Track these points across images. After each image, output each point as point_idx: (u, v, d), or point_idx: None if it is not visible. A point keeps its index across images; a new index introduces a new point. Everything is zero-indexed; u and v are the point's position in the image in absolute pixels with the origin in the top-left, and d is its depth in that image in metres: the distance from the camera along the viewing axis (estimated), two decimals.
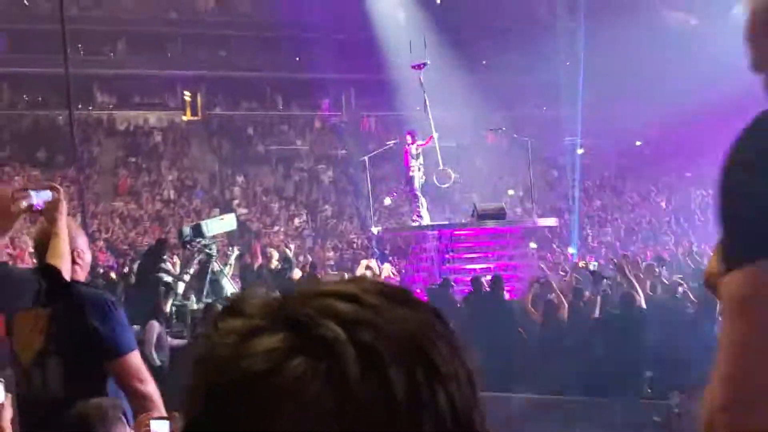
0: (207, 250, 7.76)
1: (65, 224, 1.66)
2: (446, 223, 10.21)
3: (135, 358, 1.67)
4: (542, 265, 8.37)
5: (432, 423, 0.23)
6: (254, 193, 16.12)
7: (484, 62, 16.53)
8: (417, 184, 9.34)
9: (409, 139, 9.35)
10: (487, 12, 16.62)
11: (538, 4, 18.54)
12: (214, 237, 8.28)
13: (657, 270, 6.26)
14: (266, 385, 0.22)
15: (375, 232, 11.46)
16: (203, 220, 10.83)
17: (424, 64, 10.17)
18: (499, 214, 8.96)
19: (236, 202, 16.69)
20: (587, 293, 5.34)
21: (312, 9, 15.96)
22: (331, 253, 13.95)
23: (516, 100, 15.98)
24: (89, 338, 1.61)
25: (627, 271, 5.03)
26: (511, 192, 15.65)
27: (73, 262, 1.70)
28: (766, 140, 0.62)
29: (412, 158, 9.27)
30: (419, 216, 9.47)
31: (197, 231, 8.04)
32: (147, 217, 16.16)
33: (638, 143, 15.96)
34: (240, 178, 16.44)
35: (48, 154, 17.62)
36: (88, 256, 1.84)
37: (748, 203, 0.60)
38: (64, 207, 1.68)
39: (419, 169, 9.35)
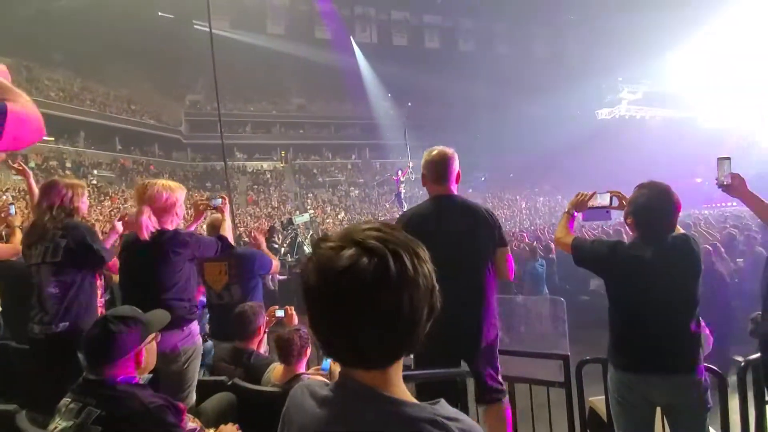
0: (294, 231, 11.45)
1: (228, 215, 2.59)
2: None
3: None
4: None
5: (422, 279, 0.56)
6: (317, 203, 29.73)
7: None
8: (403, 196, 14.69)
9: (399, 172, 15.30)
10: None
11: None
12: (297, 224, 12.26)
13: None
14: (351, 271, 0.53)
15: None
16: (293, 216, 18.92)
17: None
18: None
19: (308, 207, 30.27)
20: None
21: (346, 108, 30.82)
22: None
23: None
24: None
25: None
26: None
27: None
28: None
29: (401, 183, 14.89)
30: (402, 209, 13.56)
31: (289, 222, 12.17)
32: (263, 215, 26.85)
33: (511, 175, 28.86)
34: (310, 195, 29.49)
35: (214, 184, 32.87)
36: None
37: None
38: (227, 206, 2.62)
39: (404, 188, 14.82)
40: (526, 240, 8.36)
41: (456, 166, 1.96)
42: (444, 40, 31.06)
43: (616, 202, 2.05)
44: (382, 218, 23.74)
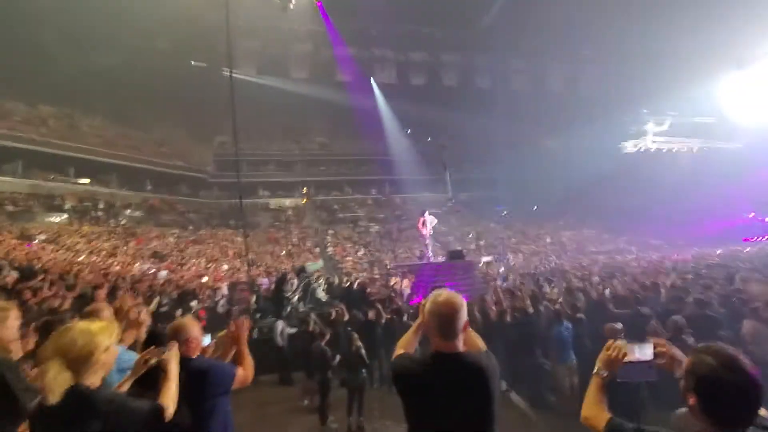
0: (308, 278, 11.16)
1: (176, 369, 1.99)
2: (433, 262, 13.43)
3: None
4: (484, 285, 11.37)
5: None
6: (337, 239, 29.06)
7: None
8: (428, 237, 13.73)
9: (421, 220, 13.84)
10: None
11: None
12: (311, 271, 12.09)
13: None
14: None
15: (389, 265, 19.75)
16: (309, 261, 17.14)
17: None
18: (459, 255, 12.76)
19: (328, 244, 29.32)
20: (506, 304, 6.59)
21: (365, 145, 31.17)
22: (377, 275, 19.17)
23: (466, 188, 29.14)
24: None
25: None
26: (470, 236, 27.78)
27: (189, 345, 2.19)
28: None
29: (429, 223, 13.69)
30: (428, 254, 13.51)
31: (302, 269, 11.82)
32: (284, 253, 26.31)
33: (534, 208, 27.97)
34: (331, 231, 29.23)
35: (237, 222, 33.26)
36: (200, 340, 2.28)
37: None
38: (176, 357, 2.01)
39: (430, 230, 13.69)
40: (555, 296, 7.47)
41: (464, 316, 1.73)
42: (462, 78, 31.35)
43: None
44: (403, 255, 23.11)
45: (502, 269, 16.48)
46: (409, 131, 30.87)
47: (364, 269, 22.95)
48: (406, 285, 13.36)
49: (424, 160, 28.80)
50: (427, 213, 13.73)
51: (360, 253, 26.27)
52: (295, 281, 10.79)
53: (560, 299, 6.75)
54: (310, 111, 31.38)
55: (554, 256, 22.37)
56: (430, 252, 13.49)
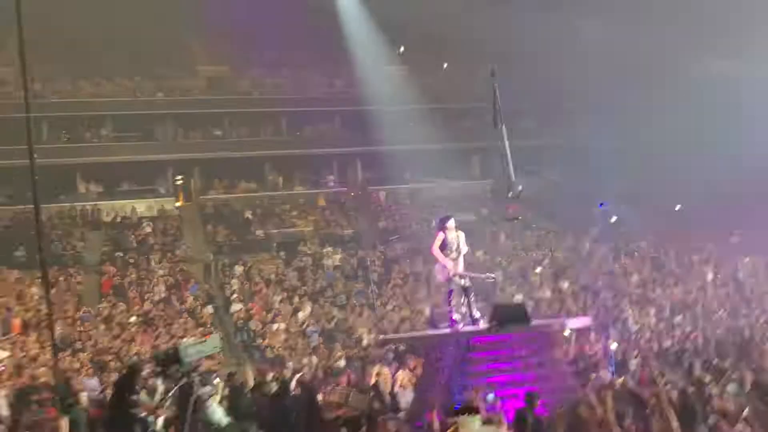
0: (188, 377, 10.28)
1: None
2: (464, 330, 12.84)
3: None
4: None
5: None
6: (254, 284, 27.34)
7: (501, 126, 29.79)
8: (455, 275, 12.70)
9: (450, 223, 12.91)
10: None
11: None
12: (194, 360, 11.35)
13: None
14: None
15: (368, 339, 20.48)
16: (188, 337, 17.80)
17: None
18: (520, 316, 12.34)
19: (234, 296, 27.01)
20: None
21: (311, 83, 30.42)
22: (341, 360, 19.89)
23: (534, 165, 28.59)
24: None
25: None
26: (538, 270, 26.50)
27: None
28: None
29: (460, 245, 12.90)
30: (451, 312, 13.09)
31: (174, 356, 10.67)
32: (133, 319, 25.25)
33: (677, 207, 27.61)
34: (238, 268, 28.23)
35: (28, 254, 30.59)
36: None
37: None
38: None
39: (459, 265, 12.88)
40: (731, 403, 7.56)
41: None
42: None
43: None
44: (397, 318, 22.87)
45: (614, 345, 16.28)
46: (402, 49, 30.28)
47: (311, 351, 22.95)
48: (405, 382, 13.58)
49: (436, 115, 28.16)
50: (451, 222, 12.86)
51: (303, 314, 26.18)
52: (159, 383, 10.67)
53: (746, 412, 6.85)
54: (187, 11, 30.62)
55: (723, 309, 22.32)
56: (456, 311, 12.63)
